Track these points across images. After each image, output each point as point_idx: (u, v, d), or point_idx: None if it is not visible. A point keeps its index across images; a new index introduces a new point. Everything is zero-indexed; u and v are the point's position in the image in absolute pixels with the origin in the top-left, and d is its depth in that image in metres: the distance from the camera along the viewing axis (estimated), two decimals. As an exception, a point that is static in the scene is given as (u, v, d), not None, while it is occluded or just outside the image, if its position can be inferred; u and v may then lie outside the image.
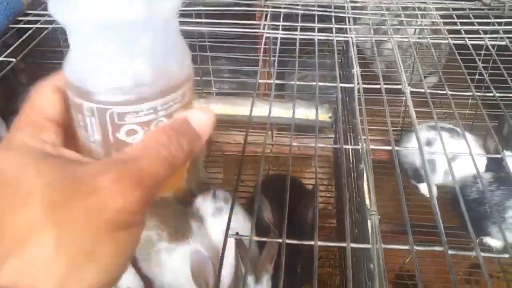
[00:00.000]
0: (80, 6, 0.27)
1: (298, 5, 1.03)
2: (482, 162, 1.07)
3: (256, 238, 0.52)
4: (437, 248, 0.48)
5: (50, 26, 0.95)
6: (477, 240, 1.08)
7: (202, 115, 0.32)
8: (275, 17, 1.01)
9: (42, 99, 0.32)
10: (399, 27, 1.01)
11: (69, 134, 0.32)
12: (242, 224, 0.96)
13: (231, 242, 0.75)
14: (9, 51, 0.86)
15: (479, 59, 0.89)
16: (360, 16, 1.02)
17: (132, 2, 0.27)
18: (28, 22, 0.97)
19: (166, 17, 0.30)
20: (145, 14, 0.28)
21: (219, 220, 0.99)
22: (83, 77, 0.29)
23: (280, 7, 1.02)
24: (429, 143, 1.13)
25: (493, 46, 0.90)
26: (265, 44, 0.92)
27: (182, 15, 0.98)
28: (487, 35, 0.92)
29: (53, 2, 0.28)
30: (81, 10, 0.27)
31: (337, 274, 1.30)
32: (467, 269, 1.27)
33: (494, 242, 1.03)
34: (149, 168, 0.28)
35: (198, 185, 1.13)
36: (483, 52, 1.02)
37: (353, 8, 1.03)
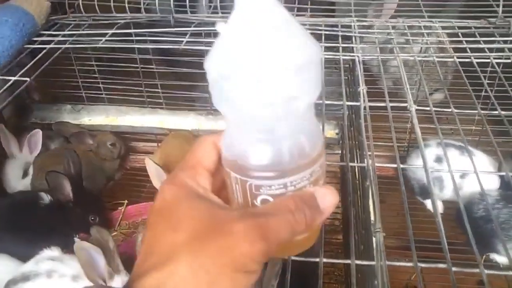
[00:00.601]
0: (236, 104, 0.32)
1: (305, 24, 1.05)
2: (495, 180, 1.06)
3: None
4: (440, 265, 0.49)
5: (63, 46, 0.97)
6: (484, 257, 1.07)
7: (328, 194, 0.37)
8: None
9: (202, 151, 0.39)
10: (405, 45, 1.02)
11: (215, 182, 0.39)
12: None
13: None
14: (23, 70, 0.88)
15: (485, 77, 0.90)
16: (366, 35, 1.03)
17: (275, 100, 0.32)
18: (42, 42, 0.99)
19: (303, 110, 0.34)
20: (286, 110, 0.32)
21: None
22: (232, 152, 0.36)
23: (287, 26, 1.04)
24: (438, 159, 1.13)
25: (498, 64, 0.91)
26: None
27: (192, 34, 1.00)
28: (493, 53, 0.93)
29: (216, 99, 0.34)
30: (237, 108, 0.32)
31: (343, 290, 1.29)
32: (475, 285, 1.26)
33: (501, 259, 1.02)
34: (274, 226, 0.33)
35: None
36: (489, 69, 1.03)
37: (360, 27, 1.05)
